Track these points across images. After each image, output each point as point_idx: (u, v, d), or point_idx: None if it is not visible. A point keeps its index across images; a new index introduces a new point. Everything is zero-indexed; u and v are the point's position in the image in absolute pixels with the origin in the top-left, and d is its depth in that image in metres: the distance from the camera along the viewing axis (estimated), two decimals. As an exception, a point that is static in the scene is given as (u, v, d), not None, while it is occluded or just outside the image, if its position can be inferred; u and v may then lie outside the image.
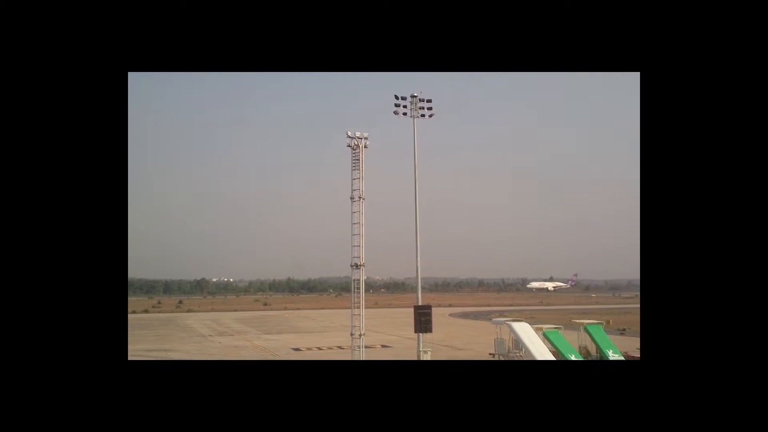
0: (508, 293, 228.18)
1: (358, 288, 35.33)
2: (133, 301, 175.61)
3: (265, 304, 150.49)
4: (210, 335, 66.64)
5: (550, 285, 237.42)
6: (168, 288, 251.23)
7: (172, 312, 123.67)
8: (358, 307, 35.32)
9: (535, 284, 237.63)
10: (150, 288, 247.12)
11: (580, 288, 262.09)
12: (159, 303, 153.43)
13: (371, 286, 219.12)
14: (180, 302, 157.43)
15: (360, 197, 34.95)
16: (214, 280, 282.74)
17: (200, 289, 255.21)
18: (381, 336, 59.36)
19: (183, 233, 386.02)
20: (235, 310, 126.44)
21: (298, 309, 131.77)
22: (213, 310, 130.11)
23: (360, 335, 35.22)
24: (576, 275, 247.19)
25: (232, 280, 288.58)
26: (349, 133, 35.61)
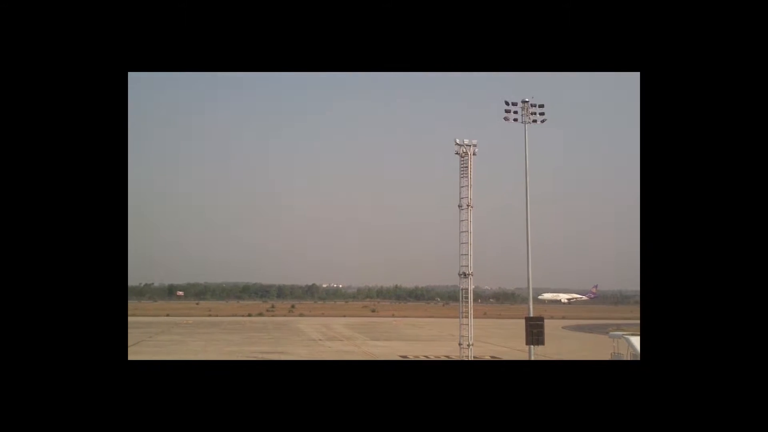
0: (626, 305, 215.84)
1: (467, 297, 34.75)
2: (249, 304, 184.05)
3: (373, 311, 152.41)
4: (320, 339, 68.18)
5: (564, 297, 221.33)
6: (281, 292, 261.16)
7: (285, 316, 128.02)
8: (467, 317, 34.72)
9: (547, 296, 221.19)
10: (264, 292, 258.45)
11: (607, 299, 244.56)
12: (273, 307, 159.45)
13: (480, 296, 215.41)
14: (292, 306, 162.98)
15: (468, 205, 34.41)
16: (324, 285, 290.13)
17: (311, 294, 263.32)
18: (490, 347, 58.11)
19: (294, 239, 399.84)
20: (344, 316, 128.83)
21: (406, 317, 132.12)
22: (323, 315, 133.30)
23: (468, 345, 34.59)
24: (596, 287, 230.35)
25: (341, 286, 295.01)
26: (458, 141, 35.14)
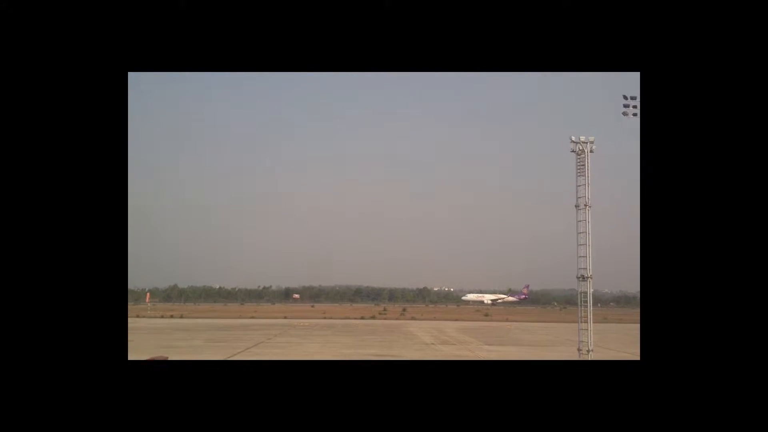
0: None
1: (585, 301, 33.15)
2: (361, 307, 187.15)
3: (486, 315, 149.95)
4: (432, 343, 67.91)
5: (488, 297, 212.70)
6: (392, 296, 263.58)
7: (397, 319, 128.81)
8: (586, 322, 33.12)
9: (471, 296, 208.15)
10: (376, 295, 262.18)
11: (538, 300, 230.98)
12: (385, 310, 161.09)
13: (599, 300, 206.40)
14: (404, 310, 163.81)
15: (586, 204, 32.85)
16: (435, 289, 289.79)
17: (422, 297, 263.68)
18: (611, 352, 55.25)
19: (404, 243, 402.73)
20: (456, 320, 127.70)
21: (520, 321, 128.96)
22: (435, 318, 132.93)
23: (588, 351, 32.99)
24: (528, 287, 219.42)
25: (452, 289, 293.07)
26: (573, 138, 33.66)
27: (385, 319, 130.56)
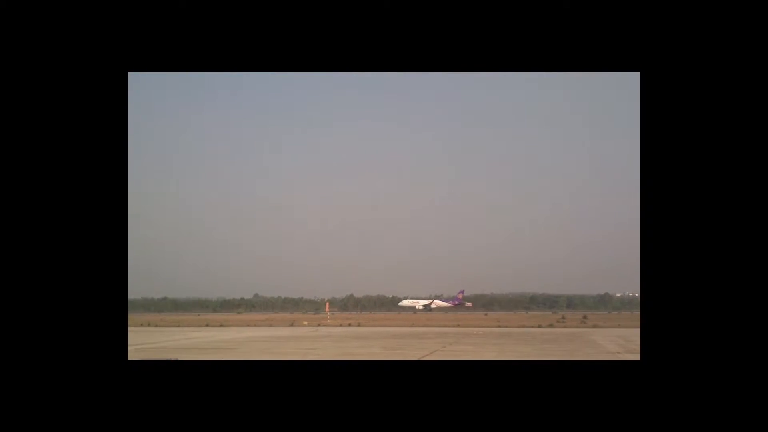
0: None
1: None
2: (537, 315, 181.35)
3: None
4: (618, 352, 63.06)
5: (421, 302, 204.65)
6: (570, 303, 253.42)
7: (577, 327, 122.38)
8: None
9: (406, 302, 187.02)
10: (553, 302, 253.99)
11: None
12: (563, 318, 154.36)
13: None
14: (584, 317, 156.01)
15: None
16: (618, 294, 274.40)
17: (604, 304, 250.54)
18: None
19: (585, 246, 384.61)
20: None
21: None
22: (619, 326, 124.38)
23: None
24: (462, 292, 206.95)
25: (636, 295, 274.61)
26: None
27: (564, 327, 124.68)
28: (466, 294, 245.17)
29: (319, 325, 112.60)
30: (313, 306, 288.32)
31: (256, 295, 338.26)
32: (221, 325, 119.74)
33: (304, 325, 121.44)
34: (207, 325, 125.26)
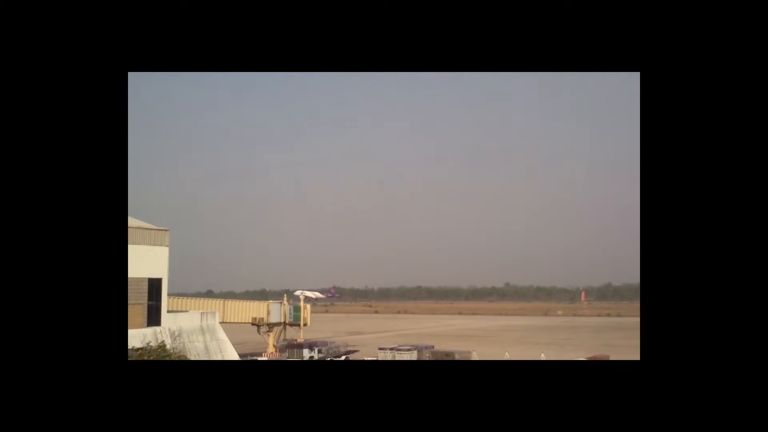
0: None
1: None
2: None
3: None
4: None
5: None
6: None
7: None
8: None
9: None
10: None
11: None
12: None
13: None
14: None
15: None
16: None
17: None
18: None
19: None
20: None
21: None
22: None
23: None
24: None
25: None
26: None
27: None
28: None
29: (574, 315, 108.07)
30: (568, 295, 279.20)
31: (507, 284, 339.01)
32: (474, 314, 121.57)
33: (559, 315, 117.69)
34: (460, 314, 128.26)
